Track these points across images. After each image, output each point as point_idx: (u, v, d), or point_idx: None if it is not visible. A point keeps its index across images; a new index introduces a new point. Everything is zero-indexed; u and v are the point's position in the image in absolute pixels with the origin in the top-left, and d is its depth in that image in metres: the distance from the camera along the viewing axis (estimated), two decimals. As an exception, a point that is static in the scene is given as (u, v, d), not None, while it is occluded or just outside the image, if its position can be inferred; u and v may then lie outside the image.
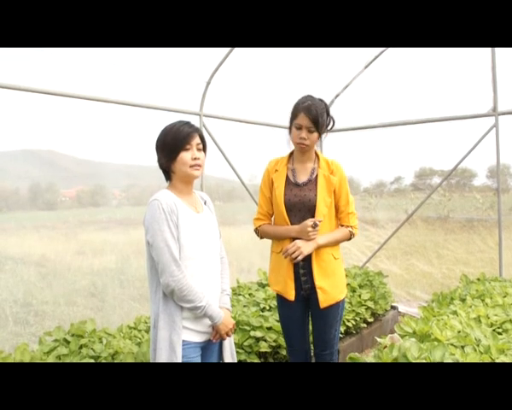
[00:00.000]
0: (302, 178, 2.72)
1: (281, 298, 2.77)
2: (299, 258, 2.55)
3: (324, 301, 2.64)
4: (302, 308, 2.77)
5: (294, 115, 2.65)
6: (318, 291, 2.63)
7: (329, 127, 2.75)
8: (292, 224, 2.66)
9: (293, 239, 2.62)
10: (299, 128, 2.61)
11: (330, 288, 2.65)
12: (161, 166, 2.20)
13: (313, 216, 2.62)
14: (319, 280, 2.63)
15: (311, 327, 2.87)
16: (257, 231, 2.83)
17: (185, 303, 2.04)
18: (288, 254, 2.57)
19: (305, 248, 2.55)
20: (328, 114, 2.70)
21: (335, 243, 2.72)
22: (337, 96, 5.63)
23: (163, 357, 2.03)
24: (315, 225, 2.55)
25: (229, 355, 2.29)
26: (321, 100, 2.67)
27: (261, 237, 2.84)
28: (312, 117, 2.57)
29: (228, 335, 2.20)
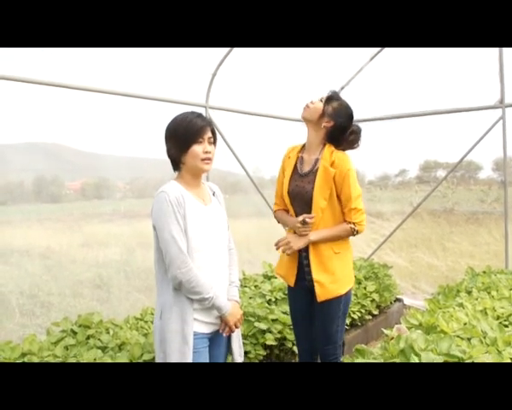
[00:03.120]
0: (306, 168, 2.72)
1: (288, 285, 2.83)
2: (288, 252, 2.60)
3: (321, 294, 2.61)
4: (307, 299, 2.76)
5: None
6: (315, 285, 2.62)
7: (353, 144, 2.75)
8: (296, 212, 2.70)
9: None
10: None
11: (328, 282, 2.61)
12: (171, 157, 2.19)
13: (310, 208, 2.62)
14: (316, 274, 2.62)
15: None
16: (274, 215, 2.93)
17: (193, 295, 2.05)
18: (278, 246, 2.66)
19: (295, 243, 2.59)
20: (353, 132, 2.72)
21: (332, 240, 2.64)
22: (342, 88, 5.60)
23: (175, 349, 2.04)
24: (304, 222, 2.56)
25: (238, 347, 2.29)
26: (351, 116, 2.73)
27: (278, 222, 2.92)
28: (330, 92, 2.70)
29: (236, 326, 2.21)
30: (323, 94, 2.69)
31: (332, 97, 2.67)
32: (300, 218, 2.56)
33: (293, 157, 2.77)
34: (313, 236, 2.60)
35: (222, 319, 2.17)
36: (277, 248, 2.66)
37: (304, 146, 2.80)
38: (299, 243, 2.59)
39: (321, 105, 2.65)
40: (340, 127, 2.67)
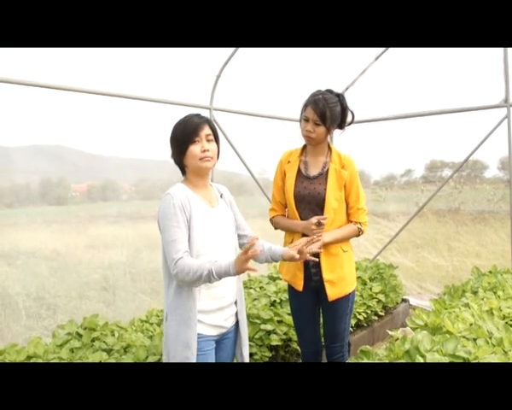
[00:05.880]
0: (313, 171, 2.71)
1: (291, 288, 2.81)
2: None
3: (332, 294, 2.65)
4: (312, 300, 2.77)
5: (304, 108, 2.66)
6: (326, 284, 2.64)
7: (348, 122, 2.72)
8: (301, 216, 2.68)
9: (302, 234, 2.63)
10: (307, 121, 2.62)
11: (338, 281, 2.66)
12: (175, 162, 2.20)
13: (322, 210, 2.62)
14: (327, 273, 2.64)
15: (322, 319, 2.88)
16: (271, 221, 2.87)
17: (197, 280, 1.96)
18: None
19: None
20: (344, 108, 2.66)
21: (343, 240, 2.70)
22: (347, 88, 5.59)
23: (178, 352, 2.04)
24: (319, 224, 2.54)
25: (240, 351, 2.30)
26: (337, 94, 2.65)
27: (275, 228, 2.87)
28: (319, 111, 2.56)
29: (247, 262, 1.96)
30: (310, 115, 2.60)
31: (321, 112, 2.56)
32: (314, 220, 2.54)
33: (294, 161, 2.76)
34: (326, 237, 2.60)
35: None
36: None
37: (303, 150, 2.80)
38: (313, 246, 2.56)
39: (322, 129, 2.61)
40: (341, 122, 2.69)
